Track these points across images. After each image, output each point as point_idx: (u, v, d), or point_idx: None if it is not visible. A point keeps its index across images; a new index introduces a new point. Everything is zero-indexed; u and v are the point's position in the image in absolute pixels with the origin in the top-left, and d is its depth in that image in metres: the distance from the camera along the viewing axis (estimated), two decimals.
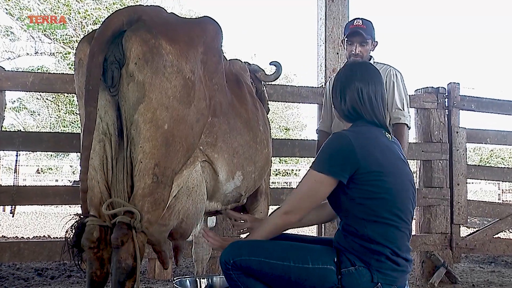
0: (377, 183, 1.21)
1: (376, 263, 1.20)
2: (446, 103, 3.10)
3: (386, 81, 2.19)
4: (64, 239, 1.24)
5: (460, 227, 3.09)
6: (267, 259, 1.21)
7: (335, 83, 1.39)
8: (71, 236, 1.25)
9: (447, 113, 3.10)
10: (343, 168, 1.20)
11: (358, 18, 2.19)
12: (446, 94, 3.11)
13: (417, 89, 3.17)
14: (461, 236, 3.09)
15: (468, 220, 3.18)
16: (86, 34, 1.38)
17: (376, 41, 2.24)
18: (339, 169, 1.20)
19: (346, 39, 2.18)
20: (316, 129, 2.41)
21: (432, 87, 3.12)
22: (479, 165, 4.84)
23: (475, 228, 4.58)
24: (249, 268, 1.22)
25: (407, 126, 2.19)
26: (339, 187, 1.24)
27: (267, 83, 2.28)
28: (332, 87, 1.40)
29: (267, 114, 2.12)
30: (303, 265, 1.21)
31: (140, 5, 1.38)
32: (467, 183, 3.16)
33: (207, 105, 1.42)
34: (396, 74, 2.21)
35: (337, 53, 2.93)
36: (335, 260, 1.22)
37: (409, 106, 2.25)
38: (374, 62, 2.24)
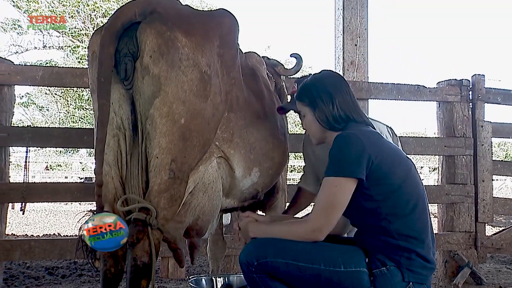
0: (390, 175, 1.18)
1: (407, 261, 1.15)
2: (470, 96, 2.97)
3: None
4: (75, 237, 1.22)
5: (485, 225, 2.96)
6: (295, 261, 1.13)
7: (319, 90, 1.30)
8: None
9: (471, 106, 2.97)
10: (360, 164, 1.15)
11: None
12: (470, 87, 2.97)
13: (440, 82, 3.04)
14: (486, 235, 2.96)
15: (494, 218, 3.05)
16: (99, 27, 1.35)
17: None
18: (356, 166, 1.15)
19: None
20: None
21: (456, 79, 2.99)
22: (505, 161, 4.64)
23: (500, 226, 4.40)
24: (275, 271, 1.14)
25: None
26: (355, 190, 1.18)
27: (286, 77, 2.20)
28: (314, 96, 1.30)
29: None
30: (335, 268, 1.13)
31: None
32: (492, 179, 3.02)
33: (222, 100, 1.38)
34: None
35: (356, 45, 2.83)
36: (367, 261, 1.16)
37: None
38: None
